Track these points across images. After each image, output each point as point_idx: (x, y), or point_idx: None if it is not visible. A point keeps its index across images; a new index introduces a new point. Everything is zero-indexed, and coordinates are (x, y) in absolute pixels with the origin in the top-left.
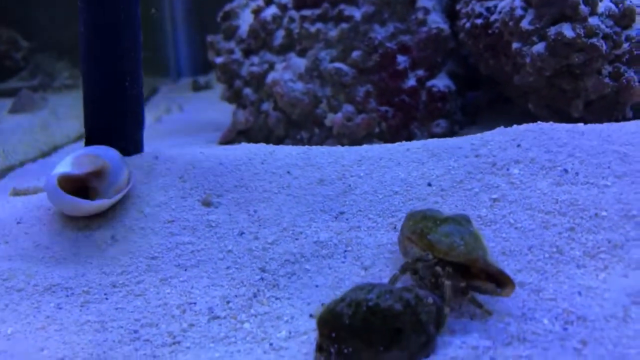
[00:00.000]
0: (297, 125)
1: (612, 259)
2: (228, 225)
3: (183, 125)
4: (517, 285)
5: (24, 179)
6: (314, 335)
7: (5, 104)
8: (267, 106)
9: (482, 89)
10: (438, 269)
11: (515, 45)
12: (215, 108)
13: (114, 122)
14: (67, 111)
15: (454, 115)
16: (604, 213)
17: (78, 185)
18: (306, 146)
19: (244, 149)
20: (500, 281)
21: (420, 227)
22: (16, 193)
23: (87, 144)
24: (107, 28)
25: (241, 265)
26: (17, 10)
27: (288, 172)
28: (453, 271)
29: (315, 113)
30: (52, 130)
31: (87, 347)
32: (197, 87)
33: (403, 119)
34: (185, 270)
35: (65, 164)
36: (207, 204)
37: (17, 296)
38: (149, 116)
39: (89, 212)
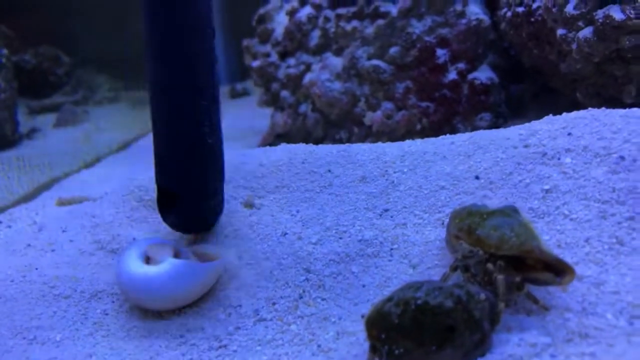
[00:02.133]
0: (336, 125)
1: None
2: (271, 226)
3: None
4: (575, 278)
5: (68, 189)
6: (362, 336)
7: (50, 119)
8: (305, 108)
9: (525, 81)
10: (490, 265)
11: (560, 31)
12: (253, 114)
13: (194, 181)
14: (108, 123)
15: (498, 108)
16: None
17: None
18: (346, 144)
19: (284, 150)
20: (559, 270)
21: (467, 223)
22: (61, 203)
23: (161, 208)
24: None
25: (285, 266)
26: (57, 28)
27: (329, 171)
28: (506, 265)
29: (354, 112)
30: (94, 142)
31: (134, 352)
32: (234, 94)
33: (445, 114)
34: None
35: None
36: (249, 205)
37: (65, 303)
38: None
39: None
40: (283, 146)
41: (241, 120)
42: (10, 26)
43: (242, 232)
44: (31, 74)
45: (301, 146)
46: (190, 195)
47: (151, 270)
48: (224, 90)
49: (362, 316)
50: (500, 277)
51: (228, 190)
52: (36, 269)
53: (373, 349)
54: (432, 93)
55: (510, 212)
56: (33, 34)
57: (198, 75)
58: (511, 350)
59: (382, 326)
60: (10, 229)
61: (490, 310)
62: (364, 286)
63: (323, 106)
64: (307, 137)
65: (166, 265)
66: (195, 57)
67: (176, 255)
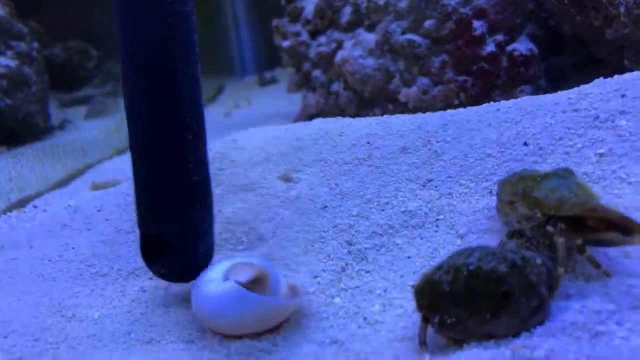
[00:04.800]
0: (370, 103)
1: None
2: (310, 200)
3: (253, 117)
4: None
5: (101, 174)
6: (410, 308)
7: (80, 111)
8: (337, 86)
9: (566, 52)
10: (549, 227)
11: None
12: (283, 100)
13: (180, 224)
14: None
15: (538, 81)
16: None
17: None
18: (385, 115)
19: (320, 123)
20: (625, 228)
21: (521, 187)
22: (95, 187)
23: (144, 255)
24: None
25: (327, 239)
26: (85, 21)
27: (368, 143)
28: (567, 227)
29: (388, 89)
30: (124, 131)
31: (173, 329)
32: (263, 82)
33: (483, 88)
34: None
35: (216, 274)
36: (287, 179)
37: (102, 281)
38: (218, 112)
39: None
40: (319, 120)
41: (271, 105)
42: (39, 21)
43: (281, 207)
44: (61, 67)
45: (338, 119)
46: (177, 241)
47: (210, 288)
48: (252, 79)
49: (412, 286)
50: (560, 240)
51: (267, 165)
52: (73, 248)
53: (425, 320)
54: (470, 66)
55: (565, 174)
56: (62, 28)
57: (181, 106)
58: (573, 318)
59: (432, 295)
60: (46, 212)
61: (548, 276)
62: (409, 258)
63: (356, 84)
64: (340, 117)
65: (223, 286)
66: (179, 86)
67: (261, 278)
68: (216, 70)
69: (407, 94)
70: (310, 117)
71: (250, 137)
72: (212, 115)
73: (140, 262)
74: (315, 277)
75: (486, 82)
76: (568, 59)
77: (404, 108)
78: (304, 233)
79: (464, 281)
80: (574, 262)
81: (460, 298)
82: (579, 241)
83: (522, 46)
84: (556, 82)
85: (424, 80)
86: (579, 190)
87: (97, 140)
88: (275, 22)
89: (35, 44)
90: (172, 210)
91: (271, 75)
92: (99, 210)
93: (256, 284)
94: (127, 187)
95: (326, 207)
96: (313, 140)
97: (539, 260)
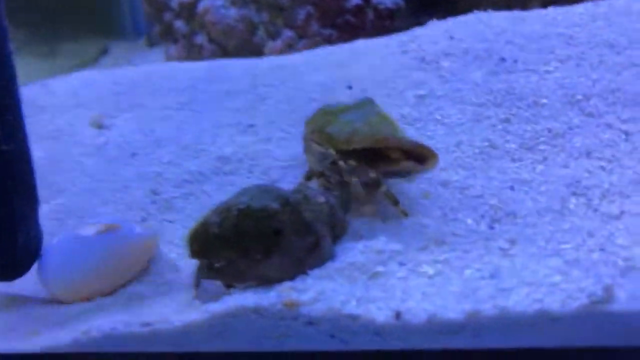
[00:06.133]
0: (234, 56)
1: (552, 149)
2: (119, 147)
3: None
4: (440, 185)
5: None
6: None
7: None
8: (200, 38)
9: (440, 9)
10: (341, 163)
11: None
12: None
13: None
14: None
15: None
16: (544, 100)
17: None
18: (218, 59)
19: (144, 68)
20: (421, 156)
21: (321, 122)
22: None
23: None
24: None
25: (131, 189)
26: None
27: (192, 87)
28: (360, 162)
29: (253, 41)
30: None
31: None
32: (151, 43)
33: (349, 41)
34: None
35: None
36: (98, 125)
37: None
38: None
39: None
40: (144, 65)
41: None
42: None
43: (86, 155)
44: None
45: (164, 64)
46: None
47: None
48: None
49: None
50: (354, 180)
51: (78, 111)
52: None
53: (200, 267)
54: (335, 19)
55: (366, 105)
56: None
57: None
58: (353, 259)
59: (203, 239)
60: None
61: (331, 215)
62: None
63: (219, 35)
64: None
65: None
66: None
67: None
68: (102, 30)
69: (272, 47)
70: None
71: (66, 81)
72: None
73: None
74: None
75: (351, 35)
76: (439, 15)
77: None
78: (106, 183)
79: (233, 221)
80: (377, 203)
81: (229, 239)
82: (374, 174)
83: None
84: None
85: (288, 33)
86: (376, 119)
87: None
88: None
89: None
90: None
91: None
92: None
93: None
94: None
95: (136, 154)
96: (133, 83)
97: (321, 199)
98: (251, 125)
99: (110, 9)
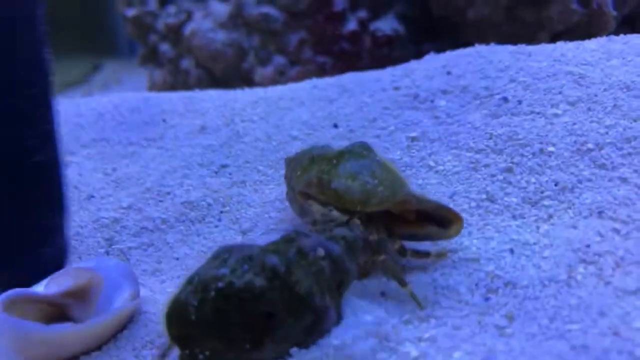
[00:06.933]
0: (222, 82)
1: (558, 205)
2: (75, 188)
3: None
4: (430, 243)
5: None
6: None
7: None
8: (187, 63)
9: (443, 37)
10: (372, 237)
11: None
12: None
13: (14, 218)
14: None
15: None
16: (552, 148)
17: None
18: (195, 90)
19: (114, 98)
20: (443, 218)
21: (315, 173)
22: None
23: None
24: None
25: (83, 236)
26: None
27: (164, 121)
28: (375, 226)
29: (242, 67)
30: None
31: None
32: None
33: (344, 70)
34: None
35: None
36: None
37: None
38: (81, 92)
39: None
40: (114, 94)
41: (141, 88)
42: None
43: None
44: None
45: (135, 94)
46: (10, 240)
47: None
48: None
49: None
50: (383, 259)
51: None
52: None
53: (182, 356)
54: (330, 46)
55: (362, 150)
56: None
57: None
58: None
59: (180, 323)
60: None
61: (334, 270)
62: (177, 259)
63: (206, 60)
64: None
65: None
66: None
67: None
68: (96, 47)
69: (262, 73)
70: None
71: None
72: (72, 95)
73: None
74: None
75: (347, 64)
76: (442, 45)
77: None
78: None
79: (212, 305)
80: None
81: (211, 326)
82: (397, 245)
83: (386, 25)
84: None
85: (280, 59)
86: (383, 173)
87: None
88: None
89: None
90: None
91: None
92: None
93: (84, 294)
94: None
95: (93, 197)
96: (98, 115)
97: (320, 252)
98: (224, 166)
99: (105, 26)
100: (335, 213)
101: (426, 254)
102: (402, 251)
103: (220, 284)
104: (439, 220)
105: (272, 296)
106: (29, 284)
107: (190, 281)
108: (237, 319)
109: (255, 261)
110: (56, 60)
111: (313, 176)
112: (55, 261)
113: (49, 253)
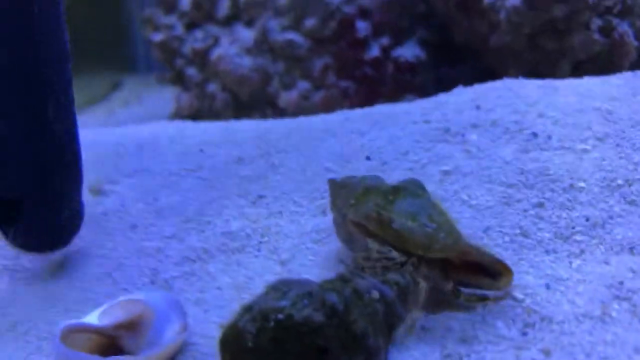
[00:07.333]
0: (248, 106)
1: (590, 241)
2: (119, 218)
3: (137, 117)
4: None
5: None
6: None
7: None
8: (213, 87)
9: (464, 62)
10: (424, 283)
11: None
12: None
13: (36, 183)
14: None
15: (427, 90)
16: (582, 184)
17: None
18: (231, 120)
19: (152, 127)
20: (494, 270)
21: (372, 206)
22: None
23: None
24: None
25: (126, 267)
26: None
27: (201, 151)
28: (433, 269)
29: (267, 91)
30: None
31: None
32: (162, 79)
33: (367, 95)
34: None
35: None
36: (96, 192)
37: None
38: (103, 110)
39: None
40: (154, 124)
41: (164, 104)
42: None
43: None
44: None
45: (173, 123)
46: (33, 203)
47: None
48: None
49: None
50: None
51: None
52: None
53: None
54: (353, 71)
55: (417, 190)
56: None
57: (35, 28)
58: None
59: (235, 349)
60: None
61: (387, 313)
62: (219, 289)
63: (232, 84)
64: (217, 121)
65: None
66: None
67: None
68: (115, 63)
69: (286, 98)
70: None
71: None
72: (93, 113)
73: None
74: None
75: (370, 89)
76: (465, 70)
77: (283, 113)
78: (100, 259)
79: (271, 334)
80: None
81: (267, 355)
82: (450, 286)
83: (408, 52)
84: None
85: (304, 84)
86: (439, 217)
87: None
88: (147, 13)
89: None
90: (22, 165)
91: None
92: None
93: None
94: None
95: (136, 226)
96: (138, 146)
97: (374, 294)
98: (261, 196)
99: (124, 42)
100: (395, 254)
101: (482, 297)
102: (457, 293)
103: (280, 316)
104: (488, 269)
105: (329, 332)
106: (45, 246)
107: (248, 310)
108: (294, 350)
109: (315, 297)
110: (76, 77)
111: (371, 210)
112: (71, 223)
113: (65, 215)
